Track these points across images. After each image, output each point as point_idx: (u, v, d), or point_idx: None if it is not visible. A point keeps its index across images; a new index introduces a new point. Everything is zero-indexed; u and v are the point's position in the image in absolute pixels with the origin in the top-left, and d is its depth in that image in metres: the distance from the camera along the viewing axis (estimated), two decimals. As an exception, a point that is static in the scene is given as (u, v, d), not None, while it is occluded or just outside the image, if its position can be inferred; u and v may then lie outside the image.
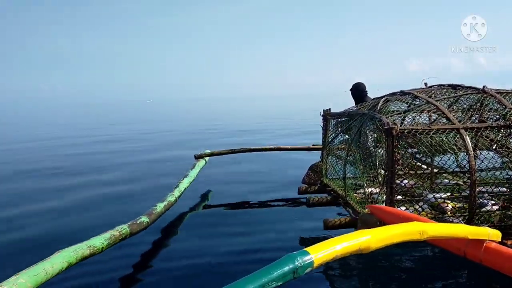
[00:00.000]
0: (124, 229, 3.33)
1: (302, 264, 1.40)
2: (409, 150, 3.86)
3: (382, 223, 2.51)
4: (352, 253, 1.54)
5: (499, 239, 2.01)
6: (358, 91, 5.66)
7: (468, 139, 2.93)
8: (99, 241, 2.96)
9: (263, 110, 41.06)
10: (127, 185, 7.09)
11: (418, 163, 4.35)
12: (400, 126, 3.03)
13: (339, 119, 4.56)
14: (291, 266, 1.38)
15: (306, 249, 1.47)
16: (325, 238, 3.88)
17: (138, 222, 3.61)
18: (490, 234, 1.97)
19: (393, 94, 3.99)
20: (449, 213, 3.22)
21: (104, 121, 30.33)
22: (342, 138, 4.47)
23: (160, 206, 4.17)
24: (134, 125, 23.83)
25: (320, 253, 1.46)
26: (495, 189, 3.36)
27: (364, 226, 3.10)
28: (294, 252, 1.43)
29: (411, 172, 3.92)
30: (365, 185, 3.66)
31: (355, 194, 3.84)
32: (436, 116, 3.73)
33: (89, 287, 3.22)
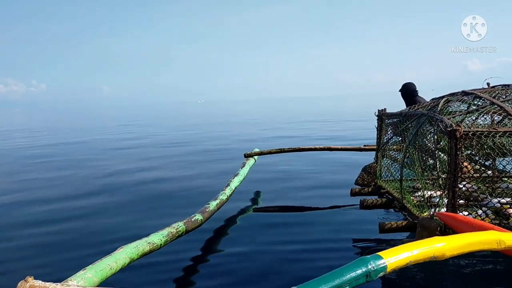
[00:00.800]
0: (180, 226, 3.41)
1: (375, 268, 1.40)
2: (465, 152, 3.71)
3: (448, 230, 2.42)
4: (426, 260, 1.51)
5: None
6: (408, 91, 5.51)
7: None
8: (157, 238, 3.04)
9: (315, 110, 40.67)
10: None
11: (477, 166, 4.17)
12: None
13: (394, 120, 4.45)
14: (364, 270, 1.38)
15: (379, 253, 1.46)
16: (379, 241, 3.82)
17: (192, 220, 3.68)
18: None
19: (454, 94, 3.84)
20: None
21: (170, 121, 31.18)
22: (396, 139, 4.36)
23: (212, 205, 4.23)
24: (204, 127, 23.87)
25: (394, 258, 1.45)
26: None
27: (423, 230, 3.00)
28: (367, 256, 1.43)
29: (474, 175, 3.76)
30: (424, 188, 3.54)
31: (412, 197, 3.72)
32: (500, 117, 3.54)
33: (148, 283, 3.31)
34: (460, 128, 2.79)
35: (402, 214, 3.82)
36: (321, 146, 6.87)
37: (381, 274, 1.40)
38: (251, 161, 6.56)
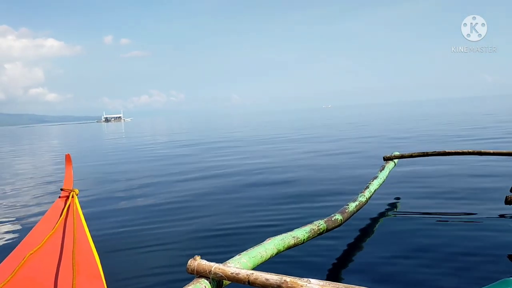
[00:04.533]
0: (321, 224, 3.54)
1: None
2: None
3: None
4: None
5: None
6: None
7: None
8: (301, 233, 3.22)
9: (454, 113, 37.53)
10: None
11: None
12: None
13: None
14: None
15: None
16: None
17: (333, 219, 3.79)
18: None
19: None
20: None
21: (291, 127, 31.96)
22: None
23: (352, 206, 4.28)
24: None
25: None
26: None
27: None
28: (510, 277, 1.31)
29: None
30: None
31: None
32: None
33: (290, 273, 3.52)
34: None
35: None
36: (469, 150, 6.38)
37: None
38: (390, 165, 6.40)
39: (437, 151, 6.55)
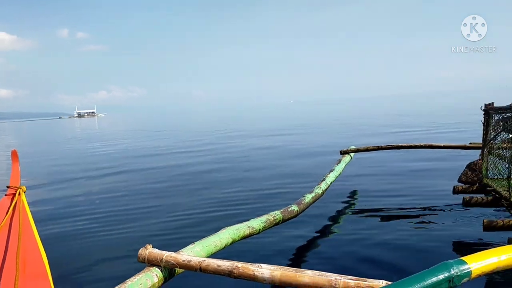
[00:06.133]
0: (277, 215, 3.57)
1: (458, 273, 1.33)
2: None
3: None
4: None
5: None
6: None
7: None
8: (257, 223, 3.23)
9: (409, 108, 38.79)
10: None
11: None
12: None
13: (504, 115, 4.16)
14: (446, 275, 1.31)
15: (463, 258, 1.38)
16: (484, 241, 3.64)
17: (289, 210, 3.82)
18: None
19: None
20: None
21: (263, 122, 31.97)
22: (505, 136, 4.08)
23: (308, 197, 4.33)
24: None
25: (479, 263, 1.36)
26: None
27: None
28: (450, 261, 1.35)
29: None
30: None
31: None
32: None
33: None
34: None
35: (510, 213, 3.59)
36: (421, 144, 6.61)
37: (465, 280, 1.32)
38: (347, 158, 6.53)
39: (391, 144, 6.75)
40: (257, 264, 2.08)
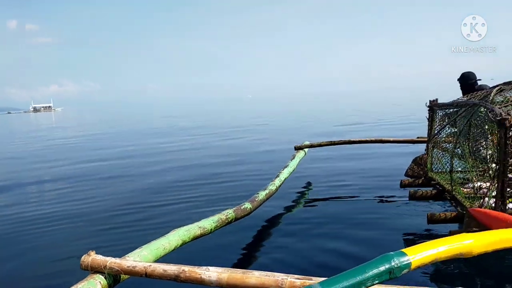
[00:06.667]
0: (229, 213, 3.56)
1: (398, 265, 1.36)
2: None
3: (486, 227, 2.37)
4: (452, 257, 1.45)
5: None
6: (467, 80, 5.31)
7: None
8: (208, 223, 3.21)
9: (354, 105, 39.76)
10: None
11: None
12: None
13: (447, 111, 4.35)
14: (387, 267, 1.35)
15: (404, 250, 1.42)
16: (428, 233, 3.79)
17: (242, 208, 3.83)
18: None
19: (509, 83, 3.70)
20: None
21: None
22: (449, 131, 4.26)
23: (262, 194, 4.35)
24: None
25: (418, 255, 1.41)
26: None
27: (471, 221, 2.96)
28: (391, 253, 1.39)
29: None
30: (474, 179, 3.47)
31: (463, 189, 3.65)
32: None
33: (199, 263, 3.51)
34: (510, 117, 2.72)
35: (452, 206, 3.75)
36: (372, 139, 6.82)
37: (405, 271, 1.37)
38: (301, 154, 6.63)
39: (343, 140, 6.91)
40: (204, 267, 2.06)
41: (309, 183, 6.47)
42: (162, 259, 2.56)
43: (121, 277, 2.23)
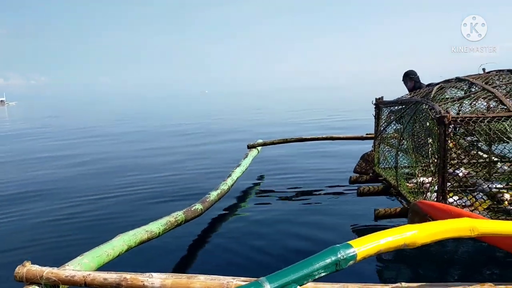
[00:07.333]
0: (179, 215, 3.49)
1: (344, 257, 1.40)
2: (468, 138, 3.73)
3: (432, 219, 2.46)
4: (397, 248, 1.50)
5: None
6: (409, 78, 5.50)
7: (526, 127, 2.79)
8: (156, 227, 3.13)
9: (310, 101, 40.41)
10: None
11: (479, 152, 4.17)
12: (457, 114, 2.95)
13: (393, 108, 4.48)
14: (333, 259, 1.39)
15: (350, 242, 1.46)
16: (375, 228, 3.88)
17: (192, 209, 3.77)
18: None
19: (448, 81, 3.86)
20: (506, 203, 3.09)
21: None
22: (395, 127, 4.39)
23: (213, 194, 4.31)
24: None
25: (364, 246, 1.45)
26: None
27: (415, 215, 3.05)
28: (338, 245, 1.43)
29: (464, 161, 3.79)
30: (418, 174, 3.59)
31: (407, 184, 3.77)
32: (495, 103, 3.56)
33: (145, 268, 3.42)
34: (448, 115, 2.82)
35: (398, 201, 3.87)
36: (323, 136, 6.92)
37: (351, 263, 1.41)
38: (254, 152, 6.63)
39: (295, 137, 6.98)
40: (147, 274, 2.00)
41: (262, 182, 6.48)
42: (106, 266, 2.47)
43: (60, 287, 2.12)
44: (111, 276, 1.99)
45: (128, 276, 1.97)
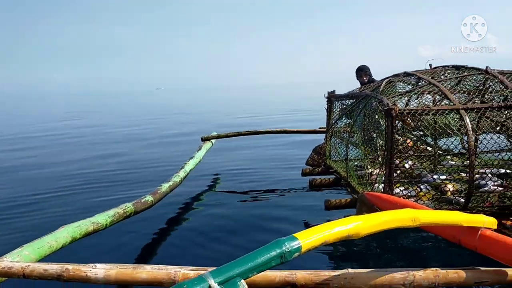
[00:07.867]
0: (128, 207, 3.40)
1: (289, 249, 1.41)
2: (414, 133, 3.86)
3: (378, 209, 2.53)
4: (341, 239, 1.52)
5: (495, 227, 1.98)
6: (363, 72, 5.63)
7: (468, 120, 2.91)
8: (103, 218, 3.03)
9: (267, 98, 40.71)
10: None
11: (425, 146, 4.34)
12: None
13: (344, 102, 4.56)
14: (278, 251, 1.39)
15: (295, 234, 1.47)
16: (326, 219, 3.95)
17: (142, 201, 3.68)
18: (485, 221, 1.94)
19: (397, 75, 3.97)
20: (449, 193, 3.23)
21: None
22: (347, 121, 4.48)
23: (165, 186, 4.23)
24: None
25: (308, 238, 1.47)
26: (494, 171, 3.37)
27: (362, 206, 3.13)
28: (283, 238, 1.43)
29: (410, 153, 3.93)
30: (368, 166, 3.68)
31: (357, 175, 3.86)
32: (440, 97, 3.71)
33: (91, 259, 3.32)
34: (395, 107, 2.90)
35: (348, 192, 3.95)
36: (277, 129, 6.97)
37: (296, 255, 1.42)
38: (208, 145, 6.57)
39: (249, 130, 6.98)
40: (91, 264, 1.93)
41: (215, 174, 6.44)
42: (48, 258, 2.36)
43: (-3, 280, 2.01)
44: (52, 267, 1.90)
45: (70, 267, 1.90)
